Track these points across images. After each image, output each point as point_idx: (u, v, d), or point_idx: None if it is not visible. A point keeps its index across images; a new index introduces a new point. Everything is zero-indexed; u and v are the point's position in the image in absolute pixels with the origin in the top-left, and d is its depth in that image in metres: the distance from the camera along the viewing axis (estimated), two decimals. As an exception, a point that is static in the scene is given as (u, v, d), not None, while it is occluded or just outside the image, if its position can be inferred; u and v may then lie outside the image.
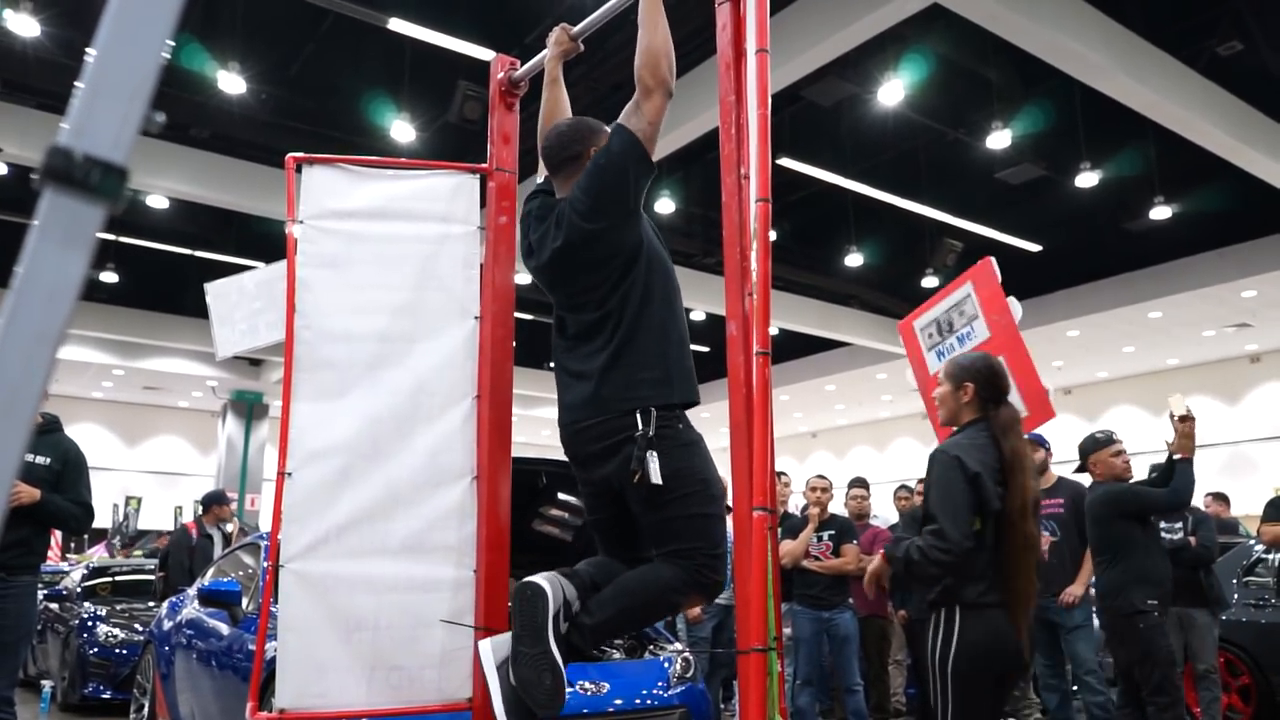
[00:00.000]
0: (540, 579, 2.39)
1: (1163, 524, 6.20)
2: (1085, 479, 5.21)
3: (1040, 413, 4.01)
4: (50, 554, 12.34)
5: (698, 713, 3.70)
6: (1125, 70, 8.57)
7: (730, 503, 2.36)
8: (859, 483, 7.27)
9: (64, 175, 0.80)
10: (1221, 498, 9.38)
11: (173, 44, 0.90)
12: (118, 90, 0.84)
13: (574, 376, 2.60)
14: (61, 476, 4.32)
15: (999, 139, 9.94)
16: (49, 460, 4.25)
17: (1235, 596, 6.80)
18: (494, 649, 2.45)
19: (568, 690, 2.36)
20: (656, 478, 2.36)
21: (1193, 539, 6.05)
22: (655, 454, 2.38)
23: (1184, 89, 9.24)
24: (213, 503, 8.46)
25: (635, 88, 2.53)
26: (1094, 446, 5.03)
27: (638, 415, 2.42)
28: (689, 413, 2.54)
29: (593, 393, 2.52)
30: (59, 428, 4.45)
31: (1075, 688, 5.67)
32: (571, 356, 2.63)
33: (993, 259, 4.25)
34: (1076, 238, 13.32)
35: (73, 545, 14.81)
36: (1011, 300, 4.09)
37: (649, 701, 3.61)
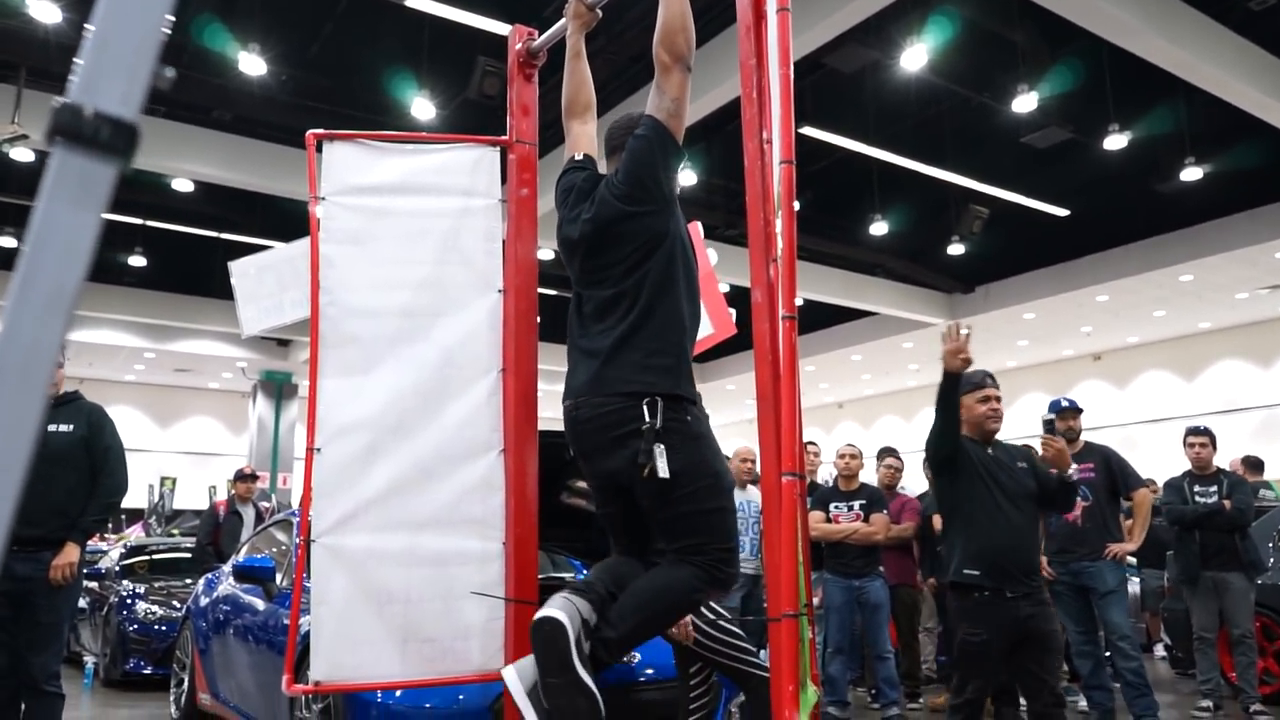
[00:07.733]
0: (554, 610, 2.30)
1: (1197, 487, 6.13)
2: (1110, 442, 5.13)
3: (723, 329, 4.89)
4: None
5: (728, 682, 3.71)
6: (1156, 29, 8.38)
7: (759, 470, 2.34)
8: (890, 452, 7.27)
9: (74, 132, 0.78)
10: (1255, 462, 9.24)
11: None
12: (124, 45, 0.82)
13: (584, 354, 2.59)
14: (89, 440, 4.23)
15: (1025, 102, 9.76)
16: (72, 426, 4.19)
17: (1271, 560, 6.72)
18: (519, 675, 2.38)
19: None
20: (664, 472, 2.34)
21: (1227, 502, 5.98)
22: (663, 447, 2.36)
23: (1216, 46, 9.02)
24: (235, 479, 8.60)
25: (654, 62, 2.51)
26: None
27: (644, 406, 2.40)
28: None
29: (597, 372, 2.50)
30: (78, 397, 4.39)
31: (1108, 653, 5.64)
32: (585, 335, 2.62)
33: (699, 223, 5.09)
34: (1105, 201, 13.09)
35: (110, 526, 15.05)
36: (711, 250, 5.55)
37: (680, 671, 3.62)
